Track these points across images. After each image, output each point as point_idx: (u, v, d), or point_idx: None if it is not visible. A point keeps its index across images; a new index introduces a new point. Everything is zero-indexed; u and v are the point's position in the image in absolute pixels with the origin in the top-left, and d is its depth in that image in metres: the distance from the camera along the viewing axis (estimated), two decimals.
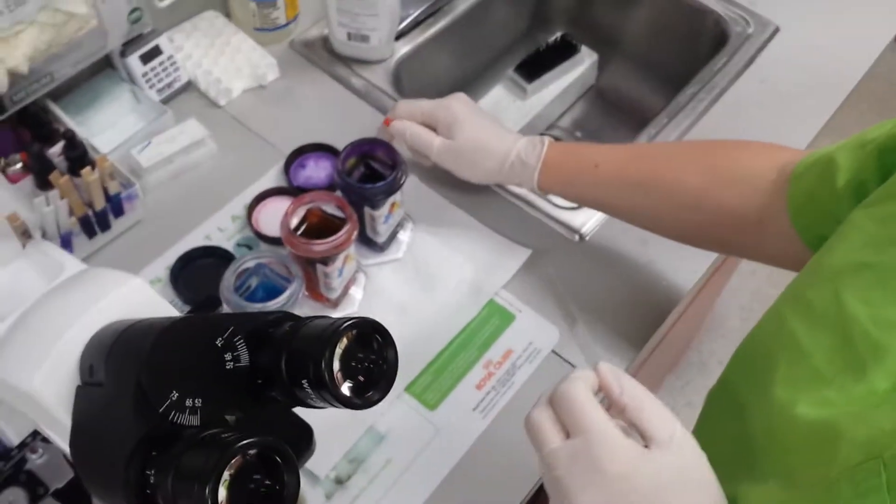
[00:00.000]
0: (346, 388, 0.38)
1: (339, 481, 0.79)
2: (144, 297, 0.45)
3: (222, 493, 0.33)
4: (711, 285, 1.37)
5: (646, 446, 0.50)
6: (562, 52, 1.31)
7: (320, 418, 0.80)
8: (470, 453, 0.82)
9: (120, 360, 0.39)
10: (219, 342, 0.39)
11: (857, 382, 0.49)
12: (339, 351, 0.37)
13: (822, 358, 0.53)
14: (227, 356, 0.39)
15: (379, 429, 0.82)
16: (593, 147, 0.86)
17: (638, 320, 0.91)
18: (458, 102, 0.91)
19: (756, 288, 2.16)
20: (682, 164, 0.81)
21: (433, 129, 0.91)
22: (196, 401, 0.38)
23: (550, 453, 0.50)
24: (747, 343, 0.67)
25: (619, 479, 0.48)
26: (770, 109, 1.12)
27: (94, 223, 0.87)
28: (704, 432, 0.69)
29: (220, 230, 0.93)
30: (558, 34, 1.33)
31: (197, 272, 0.88)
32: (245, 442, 0.33)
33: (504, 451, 0.82)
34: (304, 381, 0.37)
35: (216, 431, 0.36)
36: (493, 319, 0.90)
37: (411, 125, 0.91)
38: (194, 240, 0.91)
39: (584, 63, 1.33)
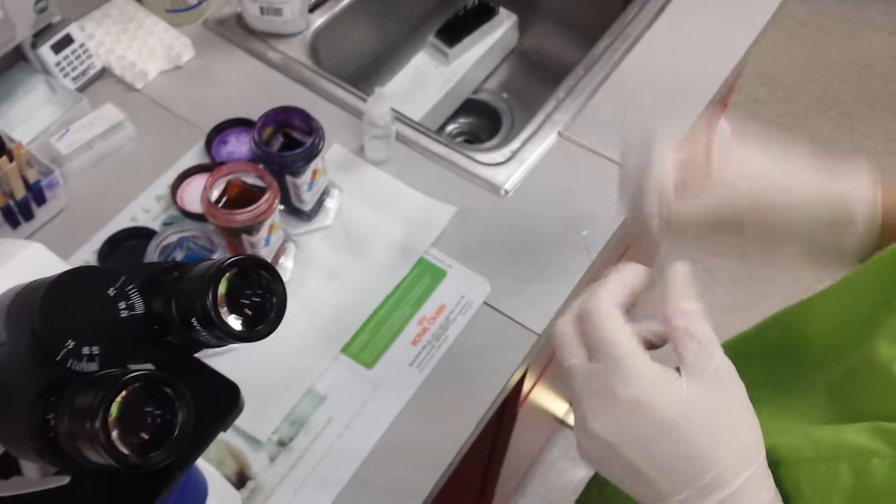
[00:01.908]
0: (235, 323, 0.39)
1: (282, 443, 0.81)
2: (45, 261, 0.46)
3: (112, 425, 0.34)
4: None
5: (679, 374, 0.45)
6: (480, 15, 1.32)
7: (260, 382, 0.82)
8: (408, 406, 0.84)
9: (17, 316, 0.40)
10: (111, 292, 0.40)
11: None
12: (222, 287, 0.39)
13: None
14: (122, 304, 0.40)
15: (318, 390, 0.84)
16: None
17: (564, 270, 0.94)
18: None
19: None
20: None
21: None
22: (93, 349, 0.39)
23: (570, 368, 0.47)
24: (846, 286, 0.59)
25: (634, 407, 0.44)
26: (682, 55, 1.15)
27: (17, 213, 0.87)
28: (770, 349, 0.66)
29: (145, 211, 0.93)
30: None
31: (125, 254, 0.89)
32: (129, 375, 0.35)
33: (442, 402, 0.84)
34: (193, 320, 0.39)
35: (107, 371, 0.37)
36: (425, 277, 0.92)
37: None
38: (120, 222, 0.92)
39: (503, 25, 1.35)
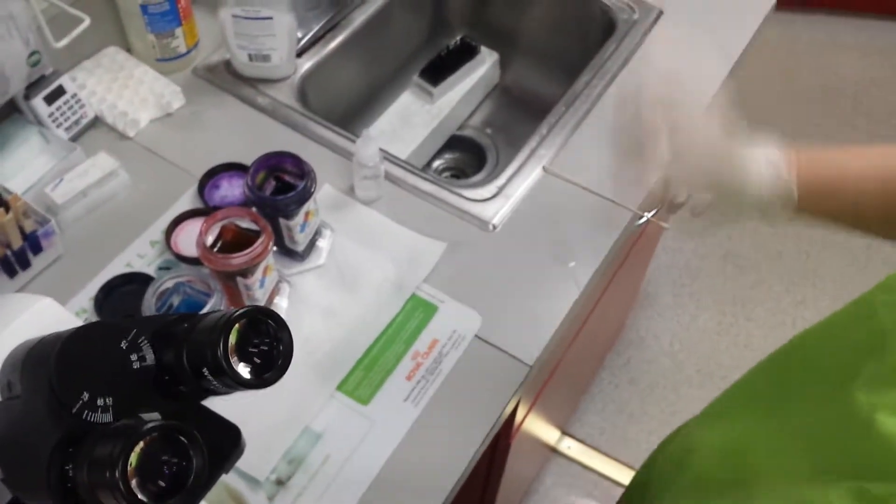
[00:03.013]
0: (244, 371, 0.41)
1: (280, 482, 0.82)
2: (55, 316, 0.48)
3: (131, 475, 0.36)
4: (630, 262, 1.43)
5: None
6: (463, 54, 1.36)
7: (257, 422, 0.83)
8: (405, 441, 0.85)
9: (32, 370, 0.42)
10: (124, 344, 0.42)
11: None
12: (233, 338, 0.41)
13: None
14: (133, 357, 0.42)
15: (315, 428, 0.85)
16: (843, 181, 0.70)
17: (553, 302, 0.96)
18: None
19: (684, 264, 2.24)
20: None
21: None
22: (107, 399, 0.41)
23: None
24: (827, 327, 0.63)
25: None
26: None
27: (14, 262, 0.88)
28: (747, 409, 0.69)
29: (139, 257, 0.95)
30: (458, 37, 1.38)
31: (121, 299, 0.90)
32: (148, 426, 0.37)
33: (437, 435, 0.86)
34: (204, 370, 0.41)
35: (124, 422, 0.39)
36: (417, 312, 0.94)
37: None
38: (115, 269, 0.93)
39: (485, 63, 1.38)
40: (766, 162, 0.69)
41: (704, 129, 0.70)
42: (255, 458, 0.82)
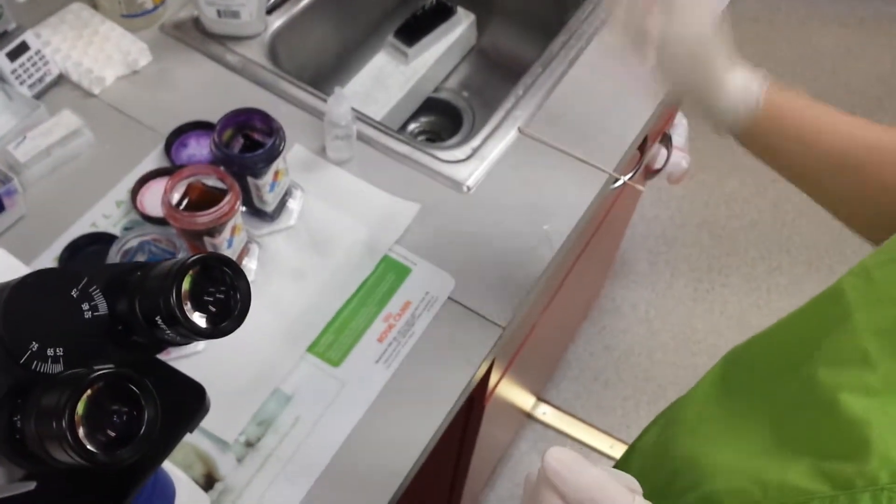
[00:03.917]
0: (199, 320, 0.40)
1: (250, 444, 0.81)
2: (4, 265, 0.46)
3: (79, 424, 0.35)
4: (606, 227, 1.42)
5: None
6: (439, 14, 1.33)
7: (225, 384, 0.82)
8: (377, 403, 0.84)
9: None
10: (74, 293, 0.40)
11: None
12: (186, 284, 0.39)
13: (869, 338, 0.51)
14: (85, 306, 0.41)
15: (285, 390, 0.84)
16: (803, 121, 0.70)
17: (527, 264, 0.95)
18: None
19: (661, 232, 2.24)
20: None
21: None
22: (57, 350, 0.39)
23: None
24: (799, 313, 0.64)
25: None
26: None
27: None
28: (716, 395, 0.69)
29: (105, 217, 0.93)
30: None
31: (86, 260, 0.88)
32: (95, 374, 0.35)
33: (410, 397, 0.85)
34: (157, 319, 0.39)
35: (72, 371, 0.37)
36: (390, 274, 0.93)
37: None
38: (80, 228, 0.91)
39: (461, 24, 1.36)
40: (742, 74, 0.70)
41: (699, 26, 0.70)
42: (224, 420, 0.81)
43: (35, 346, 0.39)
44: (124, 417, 0.36)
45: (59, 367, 0.40)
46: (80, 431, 0.35)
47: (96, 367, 0.36)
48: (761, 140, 0.71)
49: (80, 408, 0.35)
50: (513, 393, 1.44)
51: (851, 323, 0.53)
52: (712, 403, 0.69)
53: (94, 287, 0.41)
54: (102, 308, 0.41)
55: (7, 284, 0.40)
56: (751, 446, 0.58)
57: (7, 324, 0.38)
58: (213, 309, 0.40)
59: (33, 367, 0.39)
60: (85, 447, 0.35)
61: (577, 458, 0.46)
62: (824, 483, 0.48)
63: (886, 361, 0.49)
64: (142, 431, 0.37)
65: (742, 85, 0.70)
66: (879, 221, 0.66)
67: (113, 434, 0.36)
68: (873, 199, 0.66)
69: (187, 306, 0.39)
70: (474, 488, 1.61)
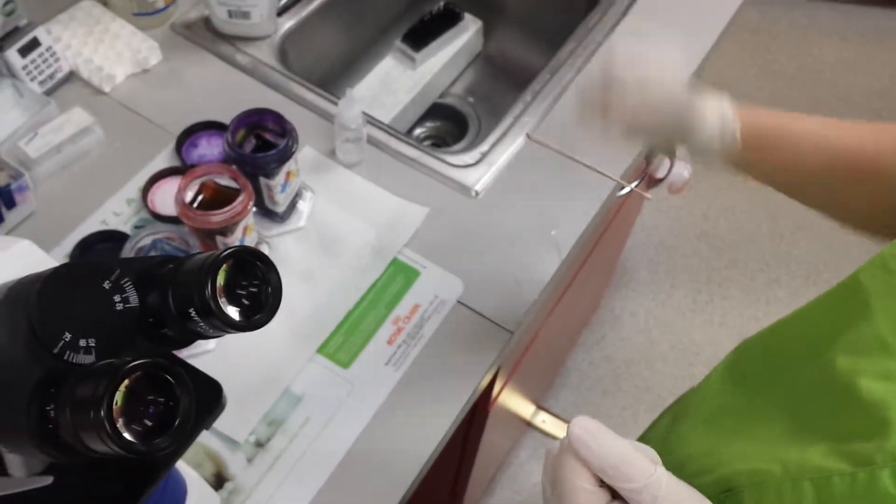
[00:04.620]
0: (232, 312, 0.40)
1: (260, 444, 0.81)
2: (34, 258, 0.46)
3: (117, 414, 0.35)
4: (610, 234, 1.43)
5: None
6: (446, 20, 1.34)
7: (236, 384, 0.82)
8: (385, 405, 0.84)
9: (11, 310, 0.40)
10: (106, 285, 0.40)
11: None
12: (220, 278, 0.39)
13: (889, 327, 0.51)
14: (117, 298, 0.40)
15: (295, 390, 0.84)
16: (783, 136, 0.71)
17: (534, 269, 0.95)
18: None
19: (660, 241, 2.25)
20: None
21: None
22: (90, 341, 0.39)
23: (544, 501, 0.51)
24: (815, 304, 0.65)
25: None
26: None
27: None
28: (729, 388, 0.70)
29: (115, 214, 0.92)
30: (441, 3, 1.36)
31: (96, 257, 0.88)
32: (132, 364, 0.35)
33: (418, 400, 0.85)
34: (191, 311, 0.39)
35: (107, 361, 0.37)
36: (399, 277, 0.93)
37: None
38: (91, 226, 0.91)
39: (469, 30, 1.36)
40: (715, 107, 0.71)
41: (668, 83, 0.72)
42: (235, 420, 0.81)
43: (68, 336, 0.39)
44: (160, 407, 0.36)
45: (90, 358, 0.40)
46: (119, 421, 0.35)
47: (131, 358, 0.36)
48: (751, 158, 0.71)
49: (117, 398, 0.35)
50: (514, 400, 1.44)
51: (870, 312, 0.54)
52: (727, 395, 0.69)
53: (126, 279, 0.41)
54: (134, 300, 0.41)
55: (39, 276, 0.40)
56: (769, 433, 0.58)
57: (41, 313, 0.38)
58: (246, 302, 0.40)
59: (66, 357, 0.39)
60: (123, 436, 0.35)
61: (602, 428, 0.47)
62: (844, 462, 0.48)
63: None
64: (177, 421, 0.37)
65: (714, 113, 0.70)
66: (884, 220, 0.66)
67: (149, 423, 0.36)
68: (876, 196, 0.66)
69: (222, 299, 0.39)
70: (474, 495, 1.61)
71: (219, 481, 0.78)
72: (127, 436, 0.35)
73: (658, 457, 0.48)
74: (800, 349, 0.62)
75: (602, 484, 0.47)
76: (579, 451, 0.46)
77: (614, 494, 0.47)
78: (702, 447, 0.66)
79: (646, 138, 0.76)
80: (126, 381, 0.35)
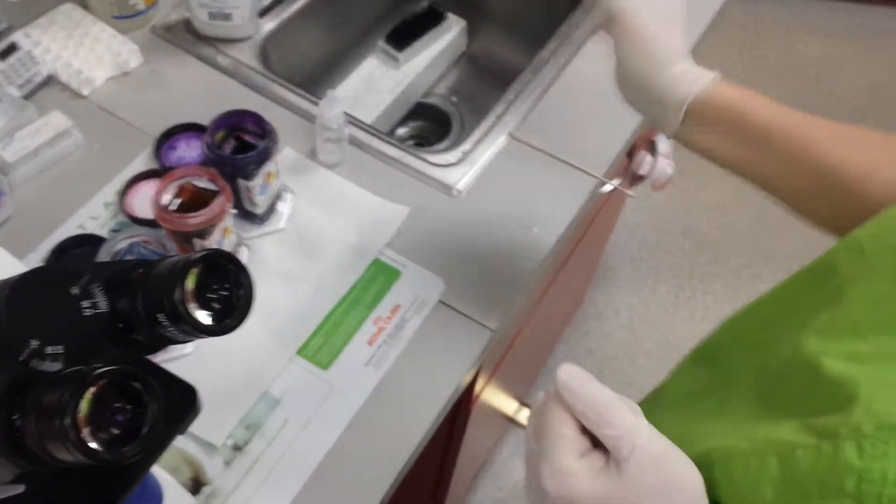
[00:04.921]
0: (203, 317, 0.40)
1: (237, 447, 0.80)
2: (3, 263, 0.46)
3: (82, 422, 0.35)
4: (592, 232, 1.43)
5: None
6: (429, 20, 1.34)
7: (213, 387, 0.82)
8: (365, 406, 0.84)
9: None
10: (75, 290, 0.40)
11: (893, 339, 0.47)
12: (191, 282, 0.39)
13: (861, 310, 0.51)
14: (85, 304, 0.40)
15: (273, 393, 0.84)
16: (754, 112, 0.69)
17: (516, 267, 0.95)
18: None
19: (643, 238, 2.26)
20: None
21: None
22: (56, 348, 0.39)
23: (526, 453, 0.51)
24: (785, 286, 0.64)
25: (558, 499, 0.47)
26: None
27: None
28: (699, 373, 0.71)
29: (92, 218, 0.92)
30: (425, 3, 1.36)
31: (73, 262, 0.87)
32: (98, 371, 0.35)
33: (399, 400, 0.85)
34: (159, 316, 0.39)
35: (73, 369, 0.37)
36: (379, 277, 0.93)
37: None
38: (68, 230, 0.90)
39: (452, 30, 1.36)
40: (689, 66, 0.70)
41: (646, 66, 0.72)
42: (212, 424, 0.81)
43: (35, 343, 0.39)
44: (128, 415, 0.36)
45: (58, 366, 0.39)
46: (84, 430, 0.35)
47: (98, 365, 0.36)
48: (708, 121, 0.69)
49: (83, 406, 0.35)
50: (497, 397, 1.45)
51: (843, 295, 0.54)
52: (698, 379, 0.70)
53: (95, 284, 0.41)
54: (103, 305, 0.41)
55: (7, 281, 0.40)
56: (739, 413, 0.59)
57: (8, 321, 0.38)
58: (217, 306, 0.40)
59: (32, 364, 0.39)
60: (88, 445, 0.35)
61: (588, 376, 0.47)
62: (809, 435, 0.48)
63: (876, 333, 0.50)
64: (145, 429, 0.36)
65: (689, 71, 0.70)
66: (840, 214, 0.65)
67: (116, 431, 0.36)
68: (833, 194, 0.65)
69: (191, 304, 0.39)
70: (457, 493, 1.61)
71: (196, 486, 0.78)
72: (93, 444, 0.35)
73: (640, 410, 0.48)
74: (770, 331, 0.62)
75: (584, 432, 0.48)
76: (564, 396, 0.47)
77: (595, 444, 0.48)
78: (676, 431, 0.66)
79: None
80: (92, 389, 0.35)
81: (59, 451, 0.36)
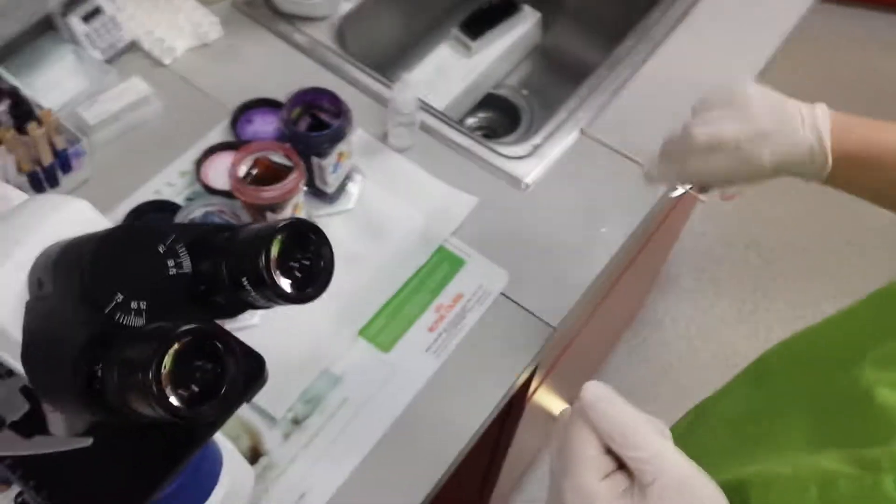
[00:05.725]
0: (284, 284, 0.40)
1: (297, 421, 0.81)
2: (89, 217, 0.46)
3: (165, 378, 0.35)
4: (658, 237, 1.40)
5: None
6: (504, 10, 1.33)
7: (276, 360, 0.82)
8: (423, 392, 0.84)
9: (65, 268, 0.40)
10: (161, 248, 0.40)
11: None
12: (275, 249, 0.39)
13: None
14: (171, 262, 0.41)
15: (334, 371, 0.84)
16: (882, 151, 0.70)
17: (579, 265, 0.94)
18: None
19: (708, 249, 2.21)
20: None
21: None
22: (141, 304, 0.40)
23: (550, 467, 0.51)
24: (847, 313, 0.64)
25: None
26: (704, 62, 1.15)
27: (43, 179, 0.87)
28: (754, 393, 0.70)
29: (169, 185, 0.93)
30: None
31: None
32: (184, 328, 0.35)
33: (456, 389, 0.85)
34: (244, 280, 0.39)
35: (157, 325, 0.37)
36: (444, 265, 0.93)
37: None
38: (144, 195, 0.92)
39: (527, 21, 1.35)
40: (807, 115, 0.70)
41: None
42: (273, 396, 0.81)
43: (120, 297, 0.39)
44: (207, 374, 0.36)
45: (141, 321, 0.40)
46: (166, 385, 0.35)
47: (181, 323, 0.36)
48: (844, 177, 0.69)
49: (166, 362, 0.35)
50: (549, 397, 1.43)
51: None
52: (750, 401, 0.69)
53: (181, 245, 0.41)
54: (186, 266, 0.41)
55: (94, 236, 0.40)
56: (789, 440, 0.58)
57: (94, 273, 0.39)
58: (298, 275, 0.40)
59: (117, 318, 0.39)
60: (169, 401, 0.35)
61: (615, 394, 0.46)
62: (852, 466, 0.48)
63: None
64: (224, 389, 0.36)
65: (810, 132, 0.69)
66: None
67: (196, 389, 0.36)
68: None
69: (275, 271, 0.39)
70: (503, 490, 1.60)
71: (254, 455, 0.78)
72: (173, 400, 0.35)
73: (668, 432, 0.47)
74: (828, 358, 0.61)
75: (608, 452, 0.46)
76: (589, 416, 0.46)
77: (620, 465, 0.46)
78: (720, 447, 0.65)
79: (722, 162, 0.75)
80: (176, 346, 0.35)
81: (139, 404, 0.36)
